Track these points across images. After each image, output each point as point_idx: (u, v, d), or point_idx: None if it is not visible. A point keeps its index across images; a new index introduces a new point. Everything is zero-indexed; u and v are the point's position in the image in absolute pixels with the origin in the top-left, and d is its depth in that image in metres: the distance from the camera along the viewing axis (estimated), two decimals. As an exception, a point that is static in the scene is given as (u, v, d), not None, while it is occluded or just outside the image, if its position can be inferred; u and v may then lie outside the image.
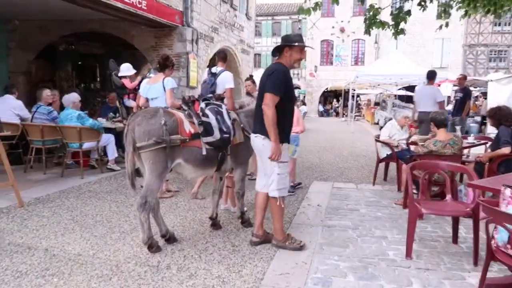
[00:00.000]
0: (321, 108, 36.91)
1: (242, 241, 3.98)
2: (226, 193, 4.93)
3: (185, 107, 3.91)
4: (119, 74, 7.45)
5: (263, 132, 3.53)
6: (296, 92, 35.75)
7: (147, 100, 5.40)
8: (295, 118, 4.49)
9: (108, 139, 6.96)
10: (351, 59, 34.93)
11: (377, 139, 6.63)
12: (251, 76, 8.31)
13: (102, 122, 7.40)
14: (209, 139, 3.74)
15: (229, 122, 3.88)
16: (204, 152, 3.72)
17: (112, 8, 8.03)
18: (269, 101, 3.43)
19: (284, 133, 3.59)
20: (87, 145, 6.66)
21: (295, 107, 4.52)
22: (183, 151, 3.68)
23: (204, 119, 3.77)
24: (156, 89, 5.31)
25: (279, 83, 3.47)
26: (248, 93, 6.84)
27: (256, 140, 3.64)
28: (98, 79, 15.32)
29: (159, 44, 10.54)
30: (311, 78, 36.13)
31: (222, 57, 6.55)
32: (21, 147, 7.28)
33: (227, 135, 3.82)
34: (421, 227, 4.35)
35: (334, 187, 6.45)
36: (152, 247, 3.63)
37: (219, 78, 6.35)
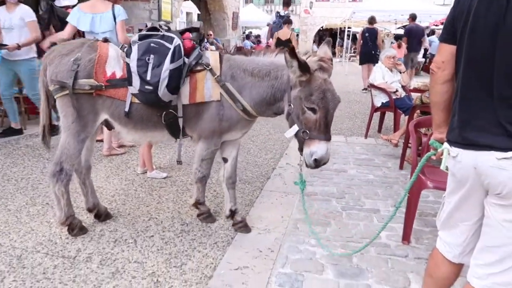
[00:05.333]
0: (315, 48, 35.18)
1: (196, 217, 3.14)
2: (141, 154, 4.00)
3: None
4: (63, 4, 6.12)
5: None
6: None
7: (79, 33, 4.22)
8: None
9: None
10: (349, -6, 32.62)
11: (373, 85, 5.63)
12: (288, 18, 8.13)
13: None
14: (132, 89, 2.54)
15: (165, 68, 2.44)
16: (126, 108, 2.59)
17: None
18: (435, 58, 1.71)
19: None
20: (29, 89, 5.59)
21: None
22: (107, 103, 2.63)
23: (127, 59, 2.55)
24: (104, 20, 4.12)
25: (449, 16, 1.65)
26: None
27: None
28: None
29: (125, -31, 9.03)
30: (305, 16, 33.97)
31: (286, 2, 8.47)
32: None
33: (149, 88, 2.45)
34: (421, 196, 3.51)
35: (320, 140, 5.54)
36: (73, 229, 2.78)
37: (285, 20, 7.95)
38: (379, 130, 6.14)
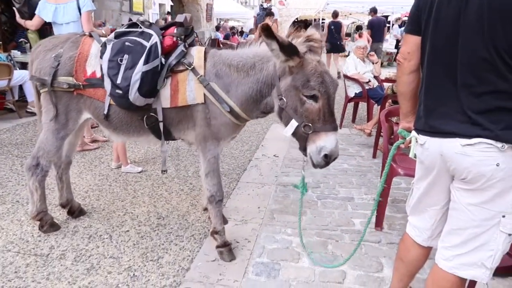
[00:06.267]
0: (290, 40, 35.22)
1: (172, 210, 3.13)
2: (115, 149, 3.92)
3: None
4: None
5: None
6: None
7: (46, 24, 4.14)
8: None
9: (24, 77, 5.70)
10: (323, -14, 32.84)
11: (346, 75, 5.71)
12: (269, 11, 8.89)
13: (17, 55, 6.05)
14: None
15: (137, 71, 2.21)
16: (105, 110, 2.42)
17: None
18: (401, 49, 1.75)
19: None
20: (-6, 84, 5.41)
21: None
22: (87, 103, 2.50)
23: (99, 60, 2.37)
24: (68, 11, 4.10)
25: (413, 7, 1.68)
26: None
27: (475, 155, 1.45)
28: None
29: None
30: (280, 7, 33.87)
31: None
32: None
33: (119, 92, 2.26)
34: (393, 183, 3.61)
35: (296, 131, 5.60)
36: (43, 225, 2.72)
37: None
38: (353, 120, 6.24)
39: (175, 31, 2.36)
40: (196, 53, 2.36)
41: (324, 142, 2.01)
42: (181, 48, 2.33)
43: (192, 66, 2.30)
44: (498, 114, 1.39)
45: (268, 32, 1.92)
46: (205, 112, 2.33)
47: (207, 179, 2.47)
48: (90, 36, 2.54)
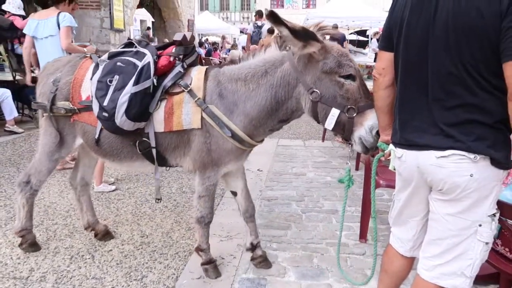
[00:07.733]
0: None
1: (156, 228, 3.09)
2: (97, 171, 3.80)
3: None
4: (5, 7, 5.85)
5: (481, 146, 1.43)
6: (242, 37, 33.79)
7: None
8: None
9: (1, 95, 5.60)
10: (302, 1, 33.55)
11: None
12: (271, 28, 9.08)
13: (-5, 73, 5.96)
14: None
15: (125, 92, 2.10)
16: (96, 135, 2.32)
17: None
18: (376, 64, 1.80)
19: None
20: (-30, 103, 5.31)
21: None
22: (78, 128, 2.44)
23: (90, 81, 2.29)
24: (48, 25, 4.20)
25: (385, 25, 1.74)
26: None
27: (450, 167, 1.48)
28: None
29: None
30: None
31: (260, 14, 9.36)
32: None
33: (105, 115, 2.15)
34: (376, 195, 3.66)
35: (279, 145, 5.65)
36: (23, 243, 2.68)
37: (263, 29, 8.90)
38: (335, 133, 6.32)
39: (173, 50, 2.26)
40: (196, 74, 2.23)
41: (372, 120, 1.93)
42: (178, 68, 2.22)
43: (189, 88, 2.17)
44: (468, 127, 1.44)
45: (275, 18, 1.84)
46: (204, 137, 2.19)
47: (200, 201, 2.34)
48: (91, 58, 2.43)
